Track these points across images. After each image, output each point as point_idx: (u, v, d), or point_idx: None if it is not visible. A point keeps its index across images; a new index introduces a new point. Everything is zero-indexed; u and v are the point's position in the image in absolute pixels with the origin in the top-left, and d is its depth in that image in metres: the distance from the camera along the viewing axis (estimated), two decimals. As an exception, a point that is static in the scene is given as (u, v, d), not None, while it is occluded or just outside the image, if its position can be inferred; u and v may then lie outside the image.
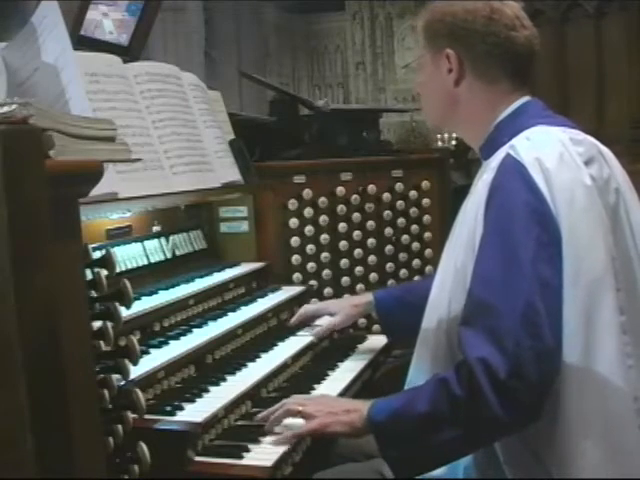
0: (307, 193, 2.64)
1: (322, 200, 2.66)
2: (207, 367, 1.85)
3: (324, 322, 2.23)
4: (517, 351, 1.37)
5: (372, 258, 2.78)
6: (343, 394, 1.89)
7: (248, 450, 1.52)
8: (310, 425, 1.58)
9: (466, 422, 1.42)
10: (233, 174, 2.41)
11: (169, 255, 2.27)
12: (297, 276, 2.62)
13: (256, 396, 1.76)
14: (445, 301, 1.59)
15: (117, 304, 1.23)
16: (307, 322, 2.24)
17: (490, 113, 1.66)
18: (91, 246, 1.23)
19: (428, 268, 2.90)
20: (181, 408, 1.57)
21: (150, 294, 1.95)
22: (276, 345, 2.06)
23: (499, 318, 1.40)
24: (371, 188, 2.79)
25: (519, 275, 1.42)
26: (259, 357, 1.95)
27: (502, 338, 1.39)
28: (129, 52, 2.72)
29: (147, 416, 1.42)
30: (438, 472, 1.57)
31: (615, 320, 1.45)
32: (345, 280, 2.72)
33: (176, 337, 1.85)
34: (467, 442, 1.48)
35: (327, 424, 1.58)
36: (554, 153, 1.49)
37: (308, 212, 2.64)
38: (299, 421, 1.61)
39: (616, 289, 1.46)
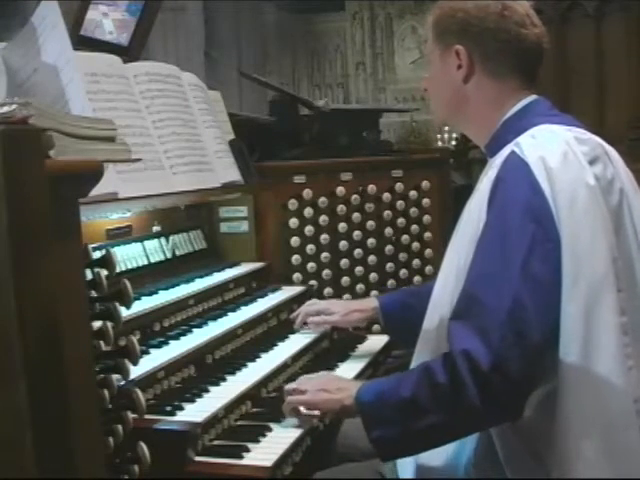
0: (307, 193, 2.64)
1: (322, 200, 2.66)
2: (207, 367, 1.85)
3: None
4: (501, 346, 1.38)
5: (372, 258, 2.78)
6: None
7: (248, 450, 1.52)
8: (300, 397, 1.65)
9: (445, 410, 1.43)
10: (233, 174, 2.41)
11: (169, 255, 2.27)
12: (297, 276, 2.62)
13: (256, 396, 1.77)
14: (447, 300, 1.59)
15: (117, 304, 1.23)
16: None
17: (497, 111, 1.66)
18: (91, 246, 1.23)
19: (428, 268, 2.90)
20: (181, 408, 1.57)
21: (150, 294, 1.95)
22: (276, 345, 2.06)
23: (487, 312, 1.41)
24: (371, 188, 2.78)
25: (509, 271, 1.42)
26: (259, 357, 1.95)
27: (488, 332, 1.39)
28: (129, 52, 2.71)
29: (147, 416, 1.42)
30: (438, 472, 1.58)
31: (616, 321, 1.44)
32: (345, 280, 2.72)
33: (176, 337, 1.85)
34: (446, 430, 1.49)
35: (318, 400, 1.64)
36: (558, 152, 1.49)
37: (308, 212, 2.64)
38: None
39: (617, 289, 1.46)
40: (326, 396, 1.63)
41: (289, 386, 1.72)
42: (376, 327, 2.40)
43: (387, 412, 1.50)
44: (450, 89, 1.70)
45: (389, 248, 2.84)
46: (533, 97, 1.67)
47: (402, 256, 2.87)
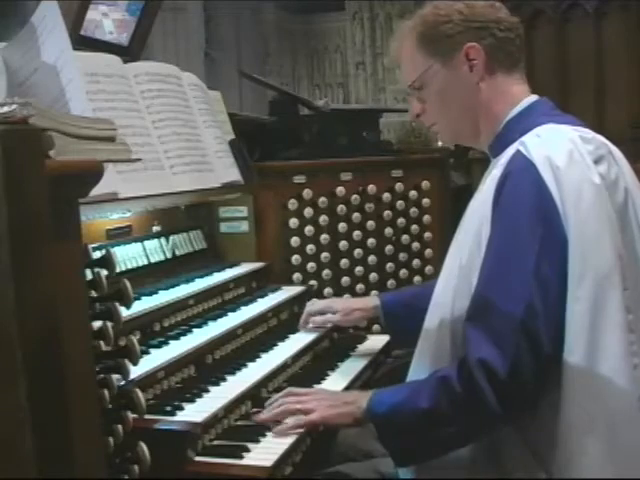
0: (307, 193, 2.64)
1: (322, 200, 2.66)
2: (207, 367, 1.85)
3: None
4: (516, 353, 1.39)
5: (372, 258, 2.78)
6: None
7: (248, 450, 1.52)
8: (311, 417, 1.61)
9: (465, 419, 1.46)
10: (233, 174, 2.41)
11: (169, 255, 2.27)
12: (297, 276, 2.62)
13: (256, 396, 1.76)
14: (449, 298, 1.59)
15: (117, 304, 1.23)
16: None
17: (507, 106, 1.65)
18: (91, 246, 1.23)
19: (428, 268, 2.90)
20: (181, 408, 1.57)
21: (150, 294, 1.94)
22: (276, 345, 2.06)
23: (500, 319, 1.42)
24: (371, 188, 2.78)
25: (522, 276, 1.43)
26: (259, 357, 1.95)
27: (502, 339, 1.41)
28: (129, 52, 2.72)
29: (147, 416, 1.42)
30: (438, 472, 1.58)
31: (621, 319, 1.45)
32: (345, 280, 2.72)
33: (176, 337, 1.85)
34: (466, 436, 1.51)
35: (327, 417, 1.62)
36: (564, 151, 1.49)
37: (308, 212, 2.64)
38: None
39: (623, 288, 1.46)
40: (336, 411, 1.62)
41: (288, 405, 1.65)
42: (376, 327, 2.41)
43: (404, 423, 1.52)
44: (462, 97, 1.67)
45: (389, 248, 2.84)
46: (535, 97, 1.68)
47: (402, 256, 2.87)
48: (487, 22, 1.64)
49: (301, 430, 1.60)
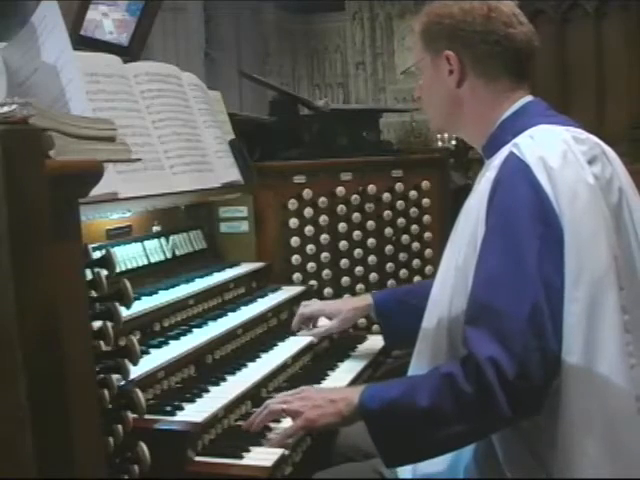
0: (307, 193, 2.64)
1: (322, 200, 2.66)
2: (207, 367, 1.85)
3: (323, 323, 2.23)
4: (524, 353, 1.38)
5: (372, 258, 2.78)
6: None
7: (248, 450, 1.52)
8: (297, 423, 1.58)
9: (472, 419, 1.43)
10: (233, 174, 2.41)
11: (169, 255, 2.27)
12: (297, 276, 2.62)
13: (256, 396, 1.76)
14: (446, 299, 1.59)
15: (117, 304, 1.24)
16: (307, 323, 2.23)
17: (493, 111, 1.66)
18: (91, 246, 1.23)
19: (428, 268, 2.90)
20: (181, 408, 1.57)
21: (150, 294, 1.94)
22: (276, 345, 2.06)
23: (506, 320, 1.40)
24: (371, 188, 2.78)
25: (525, 276, 1.42)
26: (259, 357, 1.95)
27: (509, 339, 1.39)
28: (129, 52, 2.72)
29: (147, 416, 1.42)
30: (438, 471, 1.58)
31: (618, 319, 1.45)
32: (345, 280, 2.72)
33: (176, 337, 1.85)
34: (469, 436, 1.49)
35: (314, 418, 1.57)
36: (558, 152, 1.49)
37: (308, 212, 2.64)
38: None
39: (619, 288, 1.46)
40: (321, 411, 1.57)
41: (272, 406, 1.62)
42: (376, 327, 2.41)
43: (401, 421, 1.48)
44: (444, 95, 1.70)
45: (389, 248, 2.84)
46: (529, 98, 1.67)
47: (402, 256, 2.87)
48: (471, 33, 1.63)
49: (290, 440, 1.57)
